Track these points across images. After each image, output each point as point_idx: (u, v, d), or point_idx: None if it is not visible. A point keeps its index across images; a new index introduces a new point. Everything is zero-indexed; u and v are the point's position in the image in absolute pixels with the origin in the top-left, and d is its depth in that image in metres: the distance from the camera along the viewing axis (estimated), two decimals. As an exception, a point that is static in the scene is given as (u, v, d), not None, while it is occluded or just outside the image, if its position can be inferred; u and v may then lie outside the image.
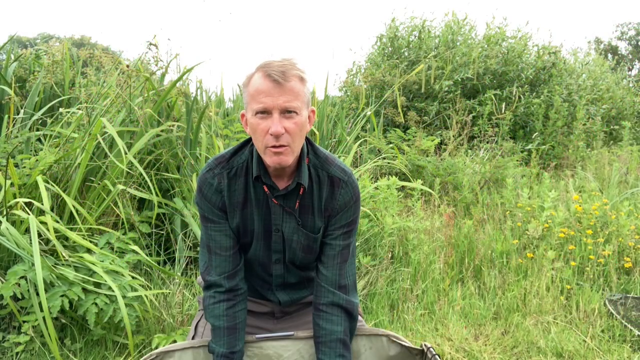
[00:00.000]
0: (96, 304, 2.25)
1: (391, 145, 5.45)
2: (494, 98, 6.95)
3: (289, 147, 1.34)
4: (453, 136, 6.03)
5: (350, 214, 1.51)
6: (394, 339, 1.44)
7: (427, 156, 5.42)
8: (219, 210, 1.48)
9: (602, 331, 2.67)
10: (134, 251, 2.65)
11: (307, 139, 1.48)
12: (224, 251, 1.49)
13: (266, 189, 1.45)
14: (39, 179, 2.56)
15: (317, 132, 4.94)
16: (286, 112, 1.31)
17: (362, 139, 5.32)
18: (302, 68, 1.36)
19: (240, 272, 1.52)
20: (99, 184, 2.87)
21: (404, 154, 5.34)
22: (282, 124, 1.30)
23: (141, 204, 3.24)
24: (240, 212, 1.48)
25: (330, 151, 3.54)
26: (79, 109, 3.48)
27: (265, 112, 1.31)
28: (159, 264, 2.98)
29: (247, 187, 1.47)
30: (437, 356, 1.32)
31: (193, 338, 1.62)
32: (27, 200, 2.50)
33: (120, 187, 2.76)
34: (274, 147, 1.32)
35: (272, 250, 1.52)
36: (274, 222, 1.48)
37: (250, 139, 1.48)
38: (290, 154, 1.35)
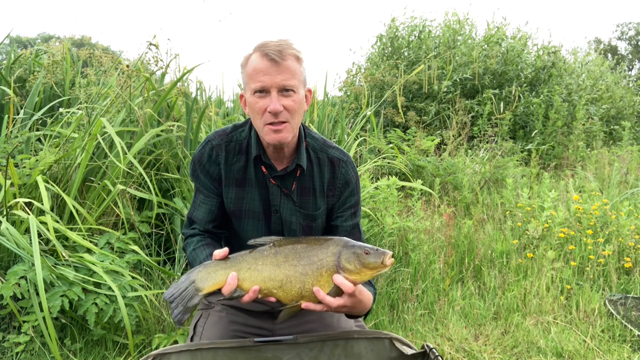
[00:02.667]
0: (96, 304, 2.25)
1: (391, 145, 5.45)
2: (493, 98, 6.95)
3: (288, 124, 1.37)
4: (453, 136, 6.03)
5: (354, 193, 1.56)
6: (396, 341, 1.44)
7: (427, 156, 5.42)
8: (213, 181, 1.52)
9: (602, 331, 2.67)
10: (134, 251, 2.65)
11: (302, 124, 1.52)
12: (206, 224, 1.55)
13: (264, 169, 1.48)
14: (39, 179, 2.56)
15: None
16: (284, 90, 1.34)
17: (362, 139, 5.32)
18: (298, 48, 1.39)
19: (219, 241, 1.59)
20: (99, 184, 2.87)
21: (404, 154, 5.34)
22: (280, 102, 1.33)
23: (141, 204, 3.24)
24: (236, 189, 1.51)
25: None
26: (79, 109, 3.47)
27: (263, 91, 1.34)
28: (159, 264, 2.98)
29: (247, 166, 1.50)
30: (439, 357, 1.31)
31: (192, 338, 1.62)
32: (27, 200, 2.49)
33: (120, 187, 2.76)
34: (272, 124, 1.35)
35: (272, 231, 1.55)
36: (272, 203, 1.51)
37: (249, 119, 1.52)
38: (289, 130, 1.38)
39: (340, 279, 1.19)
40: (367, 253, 1.18)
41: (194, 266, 1.47)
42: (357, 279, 1.20)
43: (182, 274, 2.90)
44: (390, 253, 1.19)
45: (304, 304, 1.21)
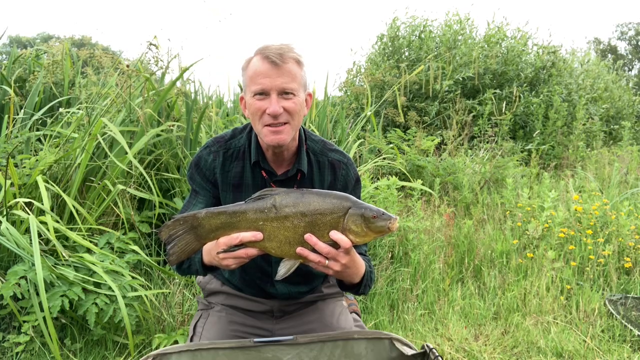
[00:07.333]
0: (96, 304, 2.25)
1: (391, 145, 5.45)
2: (493, 98, 6.94)
3: (288, 125, 1.38)
4: (453, 136, 6.03)
5: (354, 193, 1.57)
6: (396, 341, 1.44)
7: (427, 156, 5.42)
8: (209, 183, 1.53)
9: (602, 331, 2.67)
10: (134, 251, 2.65)
11: (302, 127, 1.53)
12: None
13: (264, 174, 1.49)
14: (39, 179, 2.56)
15: (317, 132, 4.93)
16: (284, 93, 1.36)
17: (362, 139, 5.32)
18: (299, 52, 1.40)
19: None
20: (99, 184, 2.87)
21: (404, 154, 5.33)
22: (280, 104, 1.35)
23: (141, 204, 3.24)
24: (233, 194, 1.52)
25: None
26: (79, 109, 3.47)
27: (263, 93, 1.36)
28: (159, 264, 2.98)
29: (243, 172, 1.51)
30: (439, 357, 1.31)
31: (192, 338, 1.62)
32: (27, 200, 2.50)
33: (120, 187, 2.76)
34: (271, 125, 1.36)
35: None
36: None
37: (248, 124, 1.53)
38: (288, 132, 1.39)
39: (337, 235, 1.17)
40: (374, 217, 1.18)
41: (186, 265, 1.46)
42: (359, 241, 1.21)
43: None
44: (396, 218, 1.19)
45: (299, 249, 1.19)
